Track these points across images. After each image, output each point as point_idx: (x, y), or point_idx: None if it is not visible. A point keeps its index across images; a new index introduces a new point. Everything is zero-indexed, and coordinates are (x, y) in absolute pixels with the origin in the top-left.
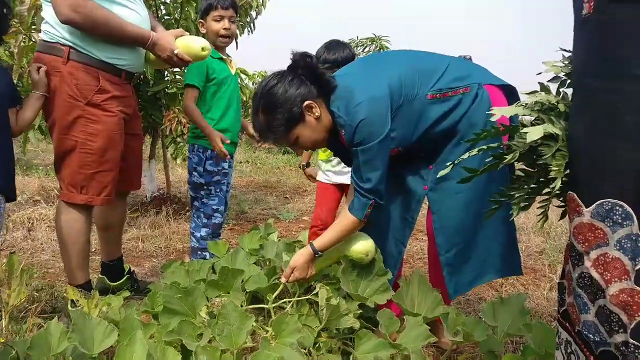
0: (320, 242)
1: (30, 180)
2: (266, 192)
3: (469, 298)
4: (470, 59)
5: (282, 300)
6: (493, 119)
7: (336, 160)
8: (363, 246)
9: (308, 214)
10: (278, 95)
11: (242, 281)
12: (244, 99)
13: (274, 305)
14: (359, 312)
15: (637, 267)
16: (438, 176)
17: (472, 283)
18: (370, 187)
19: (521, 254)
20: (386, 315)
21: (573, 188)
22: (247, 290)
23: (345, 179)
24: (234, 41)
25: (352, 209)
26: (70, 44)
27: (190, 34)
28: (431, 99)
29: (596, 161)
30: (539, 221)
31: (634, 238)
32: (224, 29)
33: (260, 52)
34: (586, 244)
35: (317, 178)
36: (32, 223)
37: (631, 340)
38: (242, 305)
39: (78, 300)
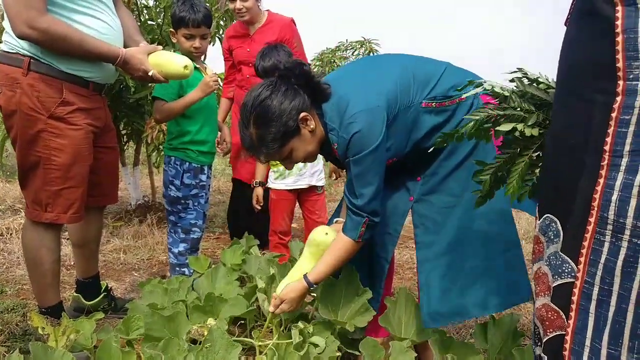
0: (315, 274)
1: (12, 187)
2: None
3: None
4: None
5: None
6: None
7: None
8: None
9: (297, 220)
10: (273, 108)
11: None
12: None
13: (259, 343)
14: (336, 354)
15: (554, 284)
16: None
17: (452, 317)
18: (362, 203)
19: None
20: (369, 345)
21: (538, 199)
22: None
23: (302, 183)
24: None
25: (345, 230)
26: (31, 55)
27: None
28: (425, 107)
29: (545, 177)
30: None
31: (557, 256)
32: (194, 47)
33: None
34: (533, 255)
35: (272, 186)
36: (11, 234)
37: (542, 354)
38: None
39: (44, 328)
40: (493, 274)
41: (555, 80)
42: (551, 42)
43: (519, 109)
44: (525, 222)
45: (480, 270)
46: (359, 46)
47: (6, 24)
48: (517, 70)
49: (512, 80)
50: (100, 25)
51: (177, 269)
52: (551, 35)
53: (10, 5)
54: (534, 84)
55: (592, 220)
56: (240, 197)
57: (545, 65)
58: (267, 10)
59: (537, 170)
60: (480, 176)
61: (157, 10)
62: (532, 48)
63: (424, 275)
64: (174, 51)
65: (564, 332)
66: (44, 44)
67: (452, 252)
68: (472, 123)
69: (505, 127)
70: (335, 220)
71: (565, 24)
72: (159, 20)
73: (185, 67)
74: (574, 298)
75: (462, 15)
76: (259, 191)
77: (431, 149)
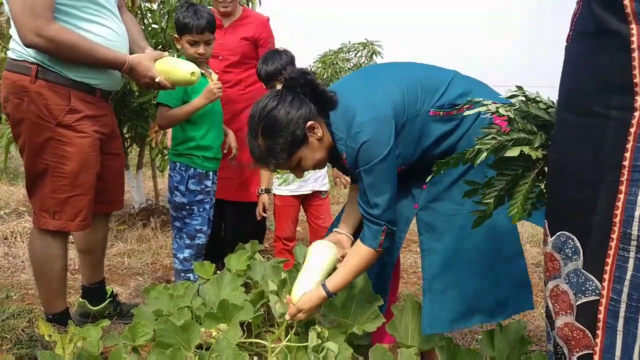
0: (334, 282)
1: (16, 190)
2: None
3: None
4: None
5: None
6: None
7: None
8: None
9: (301, 223)
10: (280, 118)
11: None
12: None
13: (272, 345)
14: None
15: (577, 303)
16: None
17: (453, 323)
18: (379, 213)
19: None
20: (378, 352)
21: (546, 216)
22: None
23: (306, 189)
24: None
25: (364, 239)
26: (38, 62)
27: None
28: (433, 115)
29: (555, 195)
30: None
31: (579, 274)
32: (199, 53)
33: None
34: (547, 273)
35: (277, 192)
36: (15, 237)
37: None
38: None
39: (51, 336)
40: (496, 281)
41: (549, 98)
42: (558, 44)
43: (522, 130)
44: (529, 225)
45: (484, 278)
46: (362, 48)
47: (13, 31)
48: (516, 88)
49: (510, 97)
50: (106, 32)
51: (182, 274)
52: (557, 36)
53: (17, 13)
54: (534, 104)
55: (614, 236)
56: (239, 218)
57: (551, 70)
58: (243, 5)
59: (536, 190)
60: (485, 199)
61: (161, 13)
62: (538, 54)
63: (428, 282)
64: (179, 56)
65: (591, 351)
66: (51, 52)
67: (456, 260)
68: (485, 154)
69: (513, 152)
70: (334, 230)
71: (567, 41)
72: (163, 24)
73: (192, 73)
74: (600, 316)
75: (466, 19)
76: (264, 199)
77: (428, 178)
